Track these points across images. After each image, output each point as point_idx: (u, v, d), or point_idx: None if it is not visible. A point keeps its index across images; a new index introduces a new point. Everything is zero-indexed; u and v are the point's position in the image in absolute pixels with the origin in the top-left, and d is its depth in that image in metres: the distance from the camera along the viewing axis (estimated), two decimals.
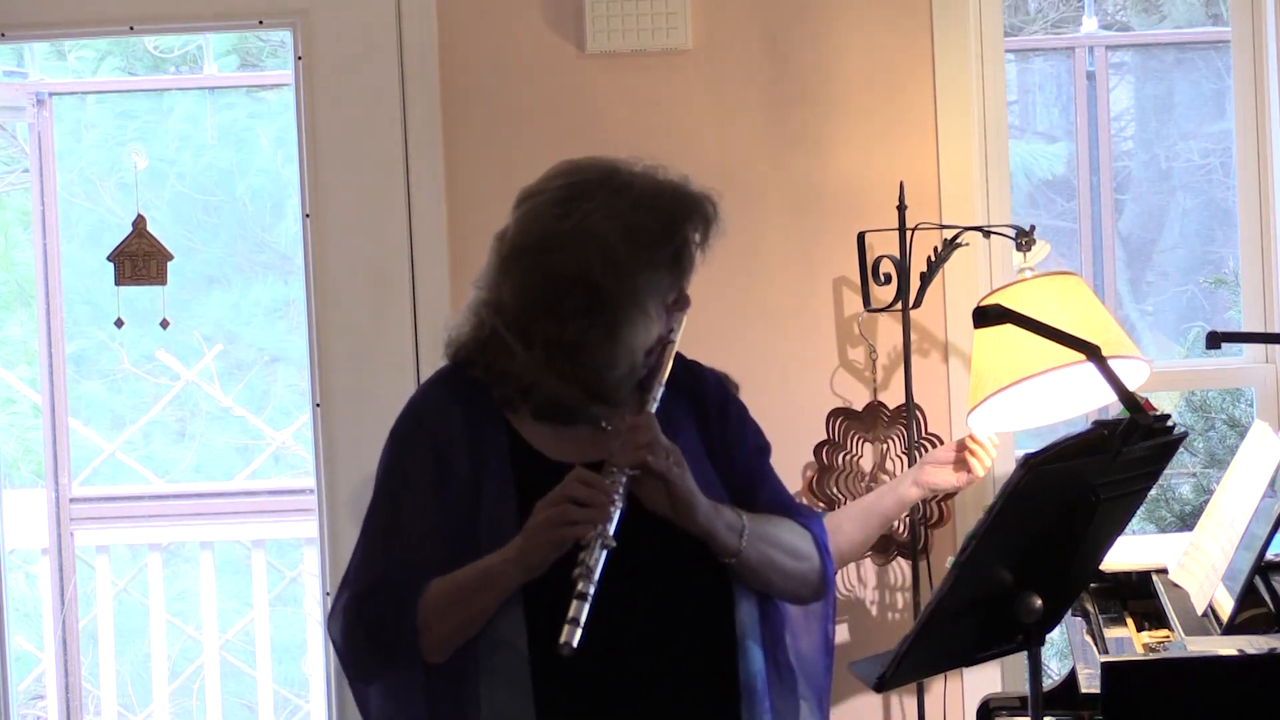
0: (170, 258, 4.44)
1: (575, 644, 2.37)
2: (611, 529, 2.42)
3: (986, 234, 4.11)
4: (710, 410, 2.65)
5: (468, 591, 2.48)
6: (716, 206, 2.61)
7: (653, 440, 2.46)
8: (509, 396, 2.57)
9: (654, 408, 2.54)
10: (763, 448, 2.69)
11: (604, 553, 2.41)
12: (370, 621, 2.53)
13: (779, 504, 2.65)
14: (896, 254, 4.08)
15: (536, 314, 2.53)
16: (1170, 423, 2.74)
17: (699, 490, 2.50)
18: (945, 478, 3.85)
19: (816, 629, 2.70)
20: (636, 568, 2.53)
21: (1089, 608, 3.56)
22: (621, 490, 2.45)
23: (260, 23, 4.40)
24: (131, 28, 4.38)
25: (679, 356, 2.71)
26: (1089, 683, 3.24)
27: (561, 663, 2.48)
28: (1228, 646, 3.04)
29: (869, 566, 4.23)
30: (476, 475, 2.54)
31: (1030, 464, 2.59)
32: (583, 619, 2.37)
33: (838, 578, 4.18)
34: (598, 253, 2.50)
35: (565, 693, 2.52)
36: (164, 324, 4.44)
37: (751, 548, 2.54)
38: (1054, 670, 3.99)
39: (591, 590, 2.38)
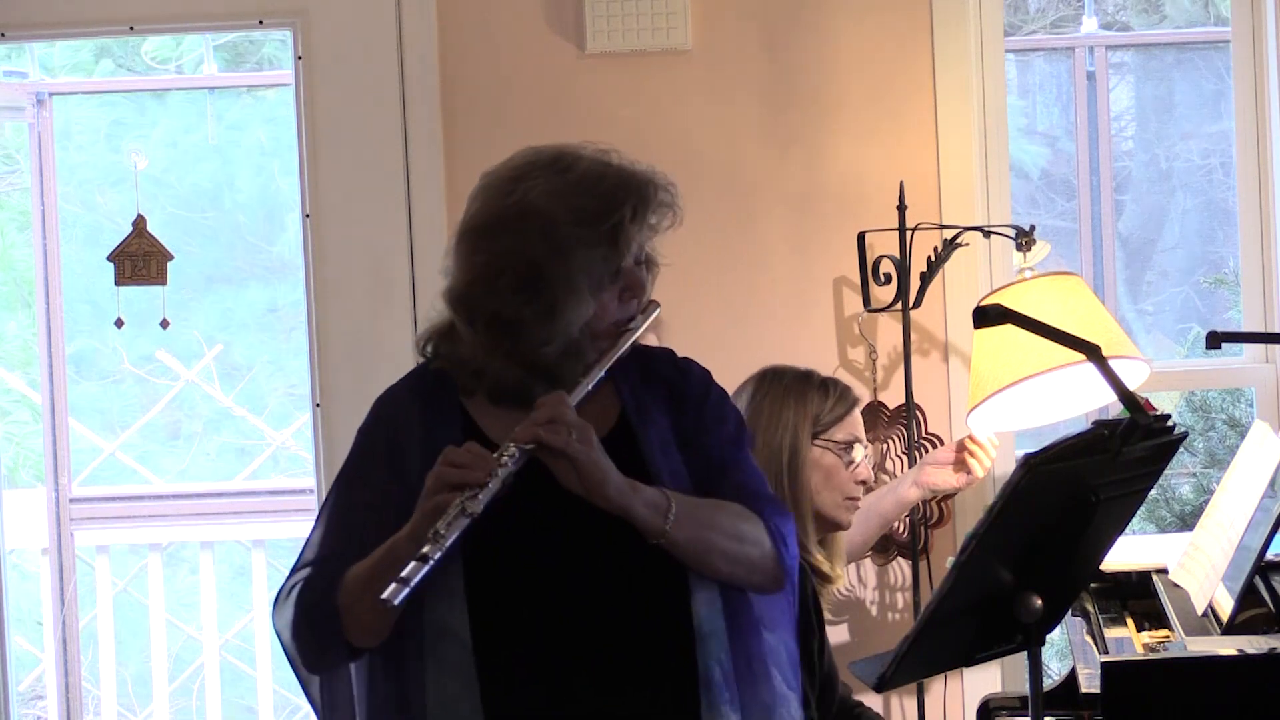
0: (170, 258, 4.44)
1: (397, 602, 2.34)
2: (483, 500, 2.39)
3: (986, 234, 4.11)
4: (688, 404, 2.64)
5: (377, 570, 2.47)
6: (661, 189, 2.60)
7: (552, 416, 2.45)
8: (466, 382, 2.59)
9: (582, 392, 2.52)
10: (738, 438, 2.67)
11: (465, 521, 2.38)
12: (306, 606, 2.54)
13: (745, 492, 2.62)
14: (896, 254, 4.08)
15: (477, 292, 2.55)
16: (1170, 423, 2.74)
17: (613, 468, 2.48)
18: (945, 478, 3.85)
19: (789, 620, 2.67)
20: (587, 559, 2.52)
21: (1089, 608, 3.56)
22: (510, 464, 2.43)
23: (260, 23, 4.40)
24: (131, 28, 4.38)
25: (668, 353, 2.71)
26: (1089, 683, 3.24)
27: (508, 653, 2.49)
28: (1228, 646, 3.04)
29: (869, 566, 4.23)
30: (430, 467, 2.54)
31: (1030, 464, 2.59)
32: (414, 580, 2.34)
33: None
34: (535, 229, 2.52)
35: (513, 683, 2.51)
36: (164, 324, 4.45)
37: (680, 528, 2.50)
38: (1054, 670, 3.99)
39: (436, 555, 2.36)
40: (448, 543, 2.37)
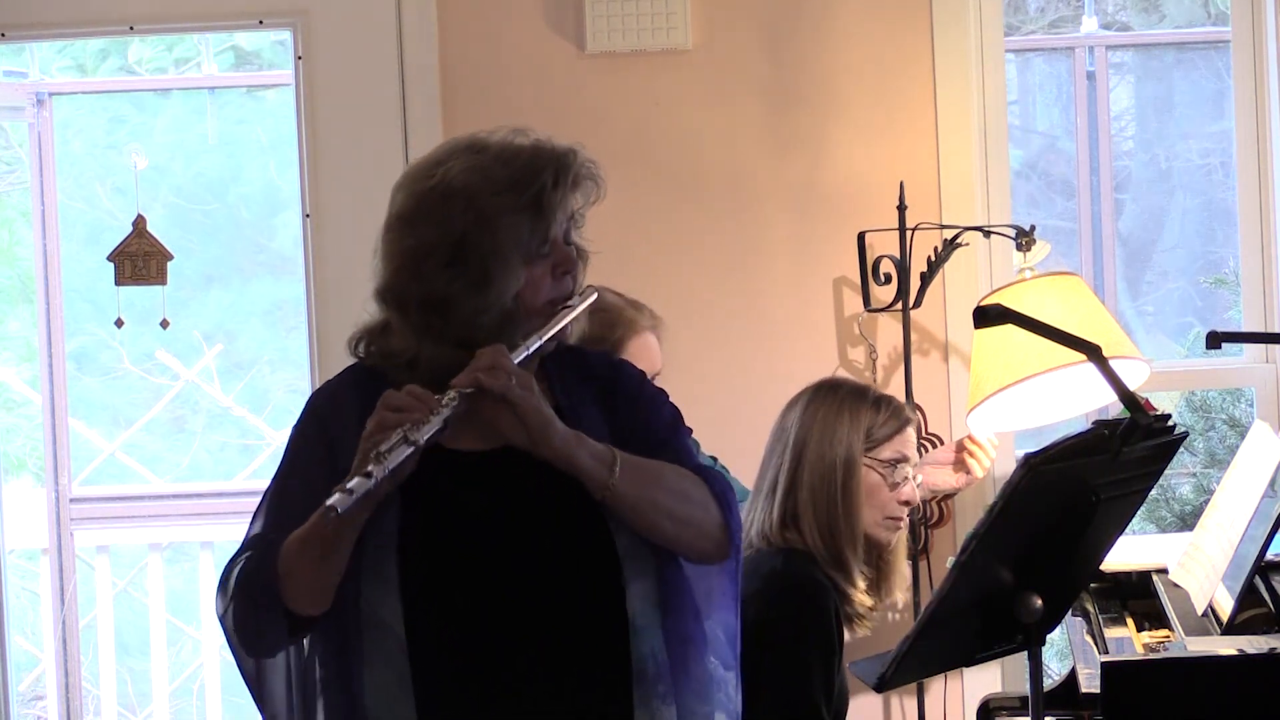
0: (170, 257, 4.44)
1: (340, 510, 2.34)
2: (425, 432, 2.40)
3: (986, 234, 4.12)
4: (621, 399, 2.65)
5: (313, 530, 2.46)
6: (580, 162, 2.59)
7: (493, 364, 2.45)
8: (399, 376, 2.59)
9: (523, 353, 2.51)
10: (675, 426, 2.66)
11: (407, 449, 2.38)
12: (245, 580, 2.54)
13: (683, 465, 2.61)
14: (896, 254, 4.08)
15: (405, 278, 2.56)
16: (1170, 423, 2.74)
17: (555, 417, 2.48)
18: (945, 478, 3.85)
19: (731, 599, 2.66)
20: (521, 548, 2.52)
21: (1089, 608, 3.56)
22: (450, 406, 2.43)
23: (260, 23, 4.40)
24: (131, 27, 4.39)
25: (603, 353, 2.74)
26: (1089, 683, 3.24)
27: (441, 643, 2.49)
28: (1228, 646, 3.04)
29: None
30: None
31: (1030, 464, 2.59)
32: (358, 492, 2.35)
33: None
34: (458, 206, 2.54)
35: (446, 673, 2.51)
36: (164, 324, 4.45)
37: (625, 482, 2.49)
38: (1054, 670, 3.99)
39: (379, 475, 2.36)
40: (390, 464, 2.37)
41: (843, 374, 4.23)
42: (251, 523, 2.64)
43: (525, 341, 2.52)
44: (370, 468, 2.37)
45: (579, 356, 2.67)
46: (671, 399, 2.71)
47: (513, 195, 2.54)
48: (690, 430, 2.72)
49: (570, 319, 2.58)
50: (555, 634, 2.52)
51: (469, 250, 2.52)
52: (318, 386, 2.73)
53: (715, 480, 2.62)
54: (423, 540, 2.51)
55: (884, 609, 3.43)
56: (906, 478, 3.41)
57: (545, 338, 2.54)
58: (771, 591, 3.24)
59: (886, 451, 3.38)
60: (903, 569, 3.50)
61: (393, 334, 2.61)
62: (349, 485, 2.36)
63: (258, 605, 2.53)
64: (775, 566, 3.28)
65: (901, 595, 3.47)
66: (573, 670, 2.53)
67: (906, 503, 3.42)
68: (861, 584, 3.35)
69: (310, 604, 2.51)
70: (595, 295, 2.65)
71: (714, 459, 3.80)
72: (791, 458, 3.37)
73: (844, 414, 3.38)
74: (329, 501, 2.35)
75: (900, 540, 3.47)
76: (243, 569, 2.56)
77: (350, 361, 2.71)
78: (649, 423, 2.63)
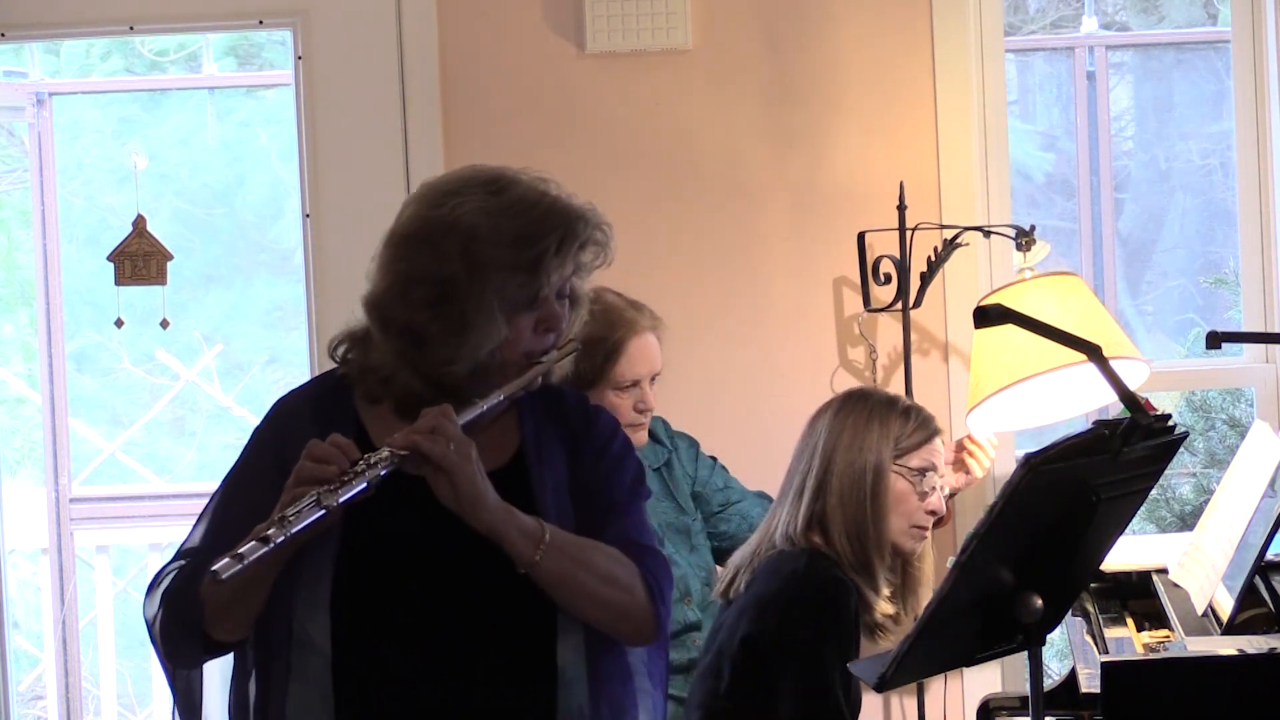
0: (170, 257, 4.44)
1: (225, 576, 2.29)
2: (342, 495, 2.36)
3: (986, 234, 4.12)
4: (588, 449, 2.62)
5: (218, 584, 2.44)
6: (593, 227, 2.56)
7: (435, 426, 2.43)
8: (372, 389, 2.58)
9: (474, 413, 2.48)
10: (634, 490, 2.64)
11: (318, 512, 2.34)
12: (171, 594, 2.53)
13: (628, 539, 2.59)
14: (896, 254, 4.08)
15: (392, 299, 2.54)
16: (1170, 423, 2.74)
17: (489, 488, 2.45)
18: (944, 478, 3.84)
19: (661, 672, 2.65)
20: (457, 586, 2.51)
21: (1089, 608, 3.56)
22: (381, 467, 2.40)
23: (260, 23, 4.41)
24: (131, 27, 4.39)
25: (580, 398, 2.70)
26: (1089, 683, 3.24)
27: (367, 671, 2.49)
28: (1228, 646, 3.04)
29: None
30: None
31: (1031, 464, 2.59)
32: (249, 559, 2.30)
33: None
34: (456, 245, 2.51)
35: (370, 702, 2.51)
36: (164, 324, 4.45)
37: (551, 561, 2.47)
38: (1054, 670, 3.99)
39: (279, 540, 2.32)
40: (293, 530, 2.33)
41: (846, 375, 4.23)
42: (195, 525, 2.61)
43: (483, 399, 2.50)
44: (270, 531, 2.33)
45: (556, 397, 2.64)
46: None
47: (512, 251, 2.50)
48: (650, 493, 2.71)
49: (538, 374, 2.55)
50: (482, 674, 2.51)
51: (456, 293, 2.49)
52: (287, 391, 2.69)
53: (651, 564, 2.59)
54: (361, 564, 2.50)
55: (909, 620, 3.42)
56: (934, 487, 3.41)
57: (503, 397, 2.52)
58: (792, 592, 3.25)
59: (915, 460, 3.38)
60: (930, 581, 3.50)
61: (374, 346, 2.58)
62: (240, 550, 2.31)
63: (179, 621, 2.52)
64: (797, 568, 3.29)
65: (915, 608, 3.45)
66: (498, 713, 2.52)
67: (933, 512, 3.42)
68: (885, 591, 3.36)
69: (227, 632, 2.52)
70: (578, 348, 2.62)
71: (714, 459, 3.80)
72: (820, 463, 3.37)
73: (874, 422, 3.38)
74: (215, 566, 2.30)
75: (927, 550, 3.47)
76: (172, 582, 2.54)
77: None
78: (609, 481, 2.61)
